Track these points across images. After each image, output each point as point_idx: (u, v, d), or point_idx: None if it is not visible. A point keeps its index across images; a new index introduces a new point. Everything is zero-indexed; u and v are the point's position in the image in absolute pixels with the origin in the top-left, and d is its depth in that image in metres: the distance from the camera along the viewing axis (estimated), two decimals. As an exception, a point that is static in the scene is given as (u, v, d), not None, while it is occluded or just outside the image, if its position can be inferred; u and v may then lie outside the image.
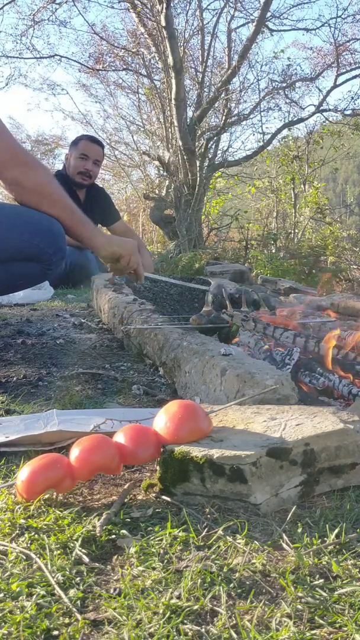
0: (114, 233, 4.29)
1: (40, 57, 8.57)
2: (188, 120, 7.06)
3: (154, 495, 0.95)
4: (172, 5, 6.55)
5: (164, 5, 6.20)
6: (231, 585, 0.70)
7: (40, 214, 1.70)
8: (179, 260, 5.68)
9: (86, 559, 0.76)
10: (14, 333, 2.30)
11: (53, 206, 1.62)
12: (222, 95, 7.33)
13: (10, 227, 1.62)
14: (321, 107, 8.69)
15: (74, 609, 0.66)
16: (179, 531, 0.82)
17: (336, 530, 0.81)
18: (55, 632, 0.63)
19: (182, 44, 7.21)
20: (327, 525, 0.84)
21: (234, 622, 0.64)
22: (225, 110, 7.22)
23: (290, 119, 8.75)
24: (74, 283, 3.90)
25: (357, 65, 8.59)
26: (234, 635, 0.62)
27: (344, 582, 0.71)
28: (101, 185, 4.87)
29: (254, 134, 12.80)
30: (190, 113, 7.33)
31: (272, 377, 1.22)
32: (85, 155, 3.89)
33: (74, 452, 0.94)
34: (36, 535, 0.82)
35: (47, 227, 1.68)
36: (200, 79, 7.70)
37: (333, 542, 0.79)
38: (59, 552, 0.77)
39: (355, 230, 9.51)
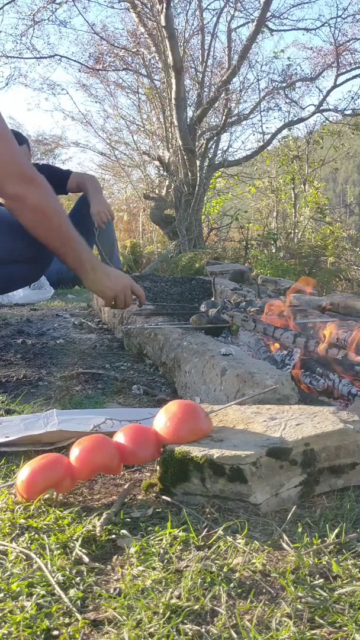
0: (70, 191, 3.86)
1: (40, 57, 8.54)
2: (188, 120, 7.06)
3: (154, 495, 0.95)
4: (172, 5, 6.54)
5: (164, 5, 6.19)
6: (231, 585, 0.70)
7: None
8: (179, 260, 5.68)
9: (86, 559, 0.76)
10: (14, 333, 2.30)
11: (51, 229, 1.53)
12: (222, 95, 7.33)
13: (9, 231, 1.62)
14: (321, 107, 8.68)
15: (74, 609, 0.66)
16: (179, 531, 0.82)
17: (336, 530, 0.81)
18: (55, 632, 0.63)
19: (182, 44, 7.21)
20: (327, 525, 0.84)
21: (234, 622, 0.64)
22: (225, 110, 7.22)
23: (290, 119, 8.74)
24: (74, 283, 3.89)
25: (357, 65, 8.58)
26: (234, 635, 0.62)
27: (344, 582, 0.71)
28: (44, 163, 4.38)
29: (254, 134, 12.80)
30: (190, 113, 7.33)
31: (272, 377, 1.22)
32: None
33: (74, 452, 0.94)
34: (36, 535, 0.82)
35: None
36: (200, 79, 7.69)
37: (333, 542, 0.79)
38: (59, 552, 0.78)
39: (355, 230, 9.51)
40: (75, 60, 8.75)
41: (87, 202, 3.65)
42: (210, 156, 7.49)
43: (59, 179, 3.70)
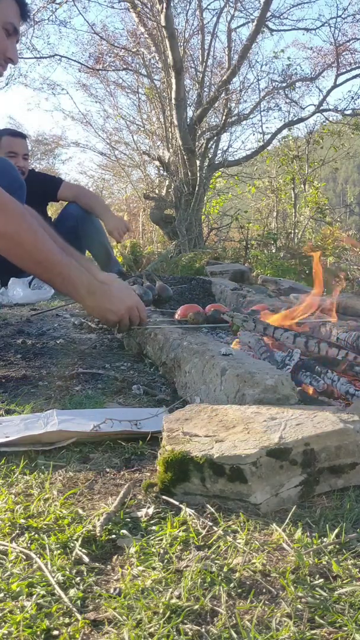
0: (62, 199, 3.79)
1: (40, 57, 8.56)
2: (188, 120, 7.07)
3: (154, 495, 0.95)
4: (172, 5, 6.54)
5: (164, 4, 6.19)
6: (231, 585, 0.70)
7: None
8: (179, 260, 5.68)
9: (86, 559, 0.76)
10: (14, 333, 2.30)
11: (25, 256, 1.42)
12: (222, 95, 7.33)
13: None
14: (321, 107, 8.70)
15: (74, 609, 0.66)
16: (179, 531, 0.82)
17: (336, 530, 0.81)
18: (55, 632, 0.63)
19: (182, 44, 7.22)
20: (327, 525, 0.84)
21: (234, 622, 0.64)
22: (225, 110, 7.23)
23: (290, 119, 8.76)
24: None
25: (357, 65, 8.60)
26: (234, 635, 0.62)
27: (344, 582, 0.71)
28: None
29: (254, 134, 12.84)
30: (190, 113, 7.34)
31: (272, 377, 1.22)
32: (13, 153, 3.52)
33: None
34: (36, 535, 0.82)
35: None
36: (200, 79, 7.70)
37: (333, 542, 0.79)
38: (59, 552, 0.78)
39: (355, 230, 9.51)
40: (75, 60, 8.77)
41: (86, 214, 3.60)
42: (210, 156, 7.50)
43: (48, 186, 3.67)
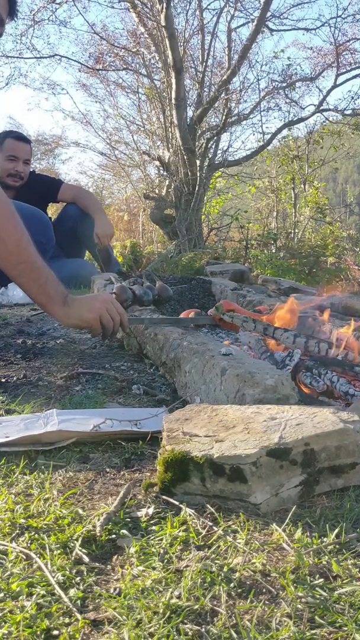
0: (62, 201, 3.87)
1: (40, 57, 8.53)
2: (188, 120, 7.07)
3: (154, 495, 0.95)
4: (172, 4, 6.54)
5: (164, 4, 6.19)
6: (231, 585, 0.70)
7: (29, 207, 1.61)
8: (179, 260, 5.68)
9: (86, 559, 0.76)
10: (14, 333, 2.30)
11: (5, 255, 1.39)
12: (222, 95, 7.33)
13: None
14: (321, 107, 8.68)
15: (74, 609, 0.66)
16: (179, 531, 0.82)
17: (336, 530, 0.81)
18: (55, 632, 0.63)
19: (182, 44, 7.21)
20: (327, 525, 0.84)
21: (234, 621, 0.64)
22: (225, 110, 7.22)
23: (290, 119, 8.74)
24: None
25: (357, 65, 8.58)
26: (234, 635, 0.62)
27: (344, 581, 0.71)
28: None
29: (254, 134, 12.83)
30: (190, 113, 7.33)
31: (272, 377, 1.22)
32: (14, 157, 3.58)
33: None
34: (36, 535, 0.82)
35: (39, 219, 1.63)
36: (200, 79, 7.69)
37: (333, 541, 0.79)
38: (59, 551, 0.78)
39: (355, 230, 9.52)
40: (75, 60, 8.76)
41: (84, 215, 3.66)
42: (210, 156, 7.49)
43: (48, 188, 3.75)
